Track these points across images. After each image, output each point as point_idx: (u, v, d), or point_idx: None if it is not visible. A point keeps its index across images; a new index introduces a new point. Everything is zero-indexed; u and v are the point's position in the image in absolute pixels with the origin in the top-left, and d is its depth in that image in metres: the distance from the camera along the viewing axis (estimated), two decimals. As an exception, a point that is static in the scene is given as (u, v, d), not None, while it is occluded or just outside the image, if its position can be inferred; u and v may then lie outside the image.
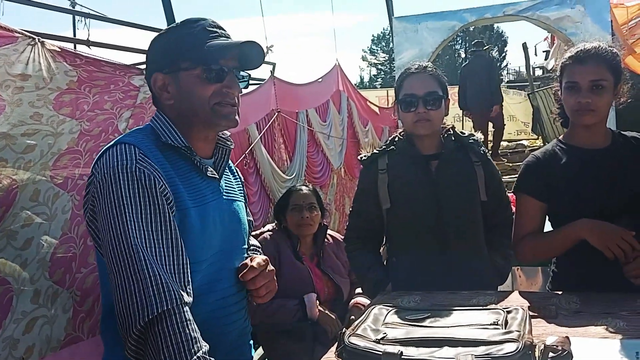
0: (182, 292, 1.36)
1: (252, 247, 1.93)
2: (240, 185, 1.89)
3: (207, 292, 1.58)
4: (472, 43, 9.28)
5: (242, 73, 1.68)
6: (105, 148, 1.52)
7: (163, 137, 1.57)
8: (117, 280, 1.34)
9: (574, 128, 2.21)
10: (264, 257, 1.75)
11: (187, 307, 1.36)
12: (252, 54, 1.60)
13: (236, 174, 1.89)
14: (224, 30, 1.64)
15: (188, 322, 1.33)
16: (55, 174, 2.29)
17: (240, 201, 1.81)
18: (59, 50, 2.36)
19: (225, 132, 1.76)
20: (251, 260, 1.71)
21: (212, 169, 1.66)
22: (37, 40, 2.26)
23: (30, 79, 2.21)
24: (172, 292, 1.33)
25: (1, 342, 2.03)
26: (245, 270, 1.67)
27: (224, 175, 1.74)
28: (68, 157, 2.36)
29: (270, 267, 1.75)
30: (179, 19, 4.15)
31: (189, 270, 1.44)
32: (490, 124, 9.40)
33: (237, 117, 1.65)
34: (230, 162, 1.82)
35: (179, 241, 1.44)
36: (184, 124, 1.61)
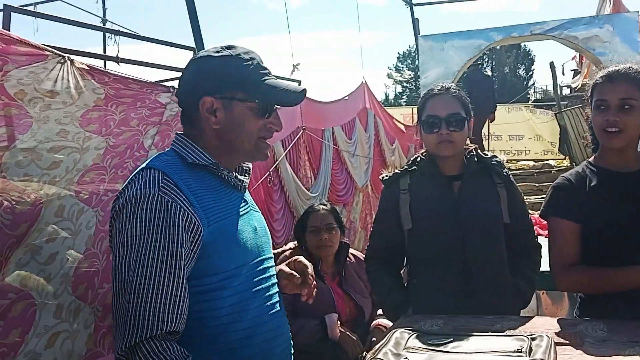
0: (164, 324, 1.42)
1: None
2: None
3: (247, 305, 1.63)
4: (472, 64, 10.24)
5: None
6: (133, 174, 1.59)
7: (189, 158, 1.62)
8: (114, 305, 1.46)
9: (604, 150, 2.17)
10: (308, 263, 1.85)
11: (166, 341, 1.42)
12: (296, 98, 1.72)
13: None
14: (269, 70, 1.73)
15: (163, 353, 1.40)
16: (81, 190, 2.32)
17: (257, 210, 1.85)
18: (88, 68, 2.39)
19: None
20: (304, 267, 1.82)
21: (239, 181, 1.73)
22: (66, 58, 2.30)
23: (58, 96, 2.24)
24: (155, 322, 1.41)
25: (24, 356, 2.04)
26: (306, 291, 1.80)
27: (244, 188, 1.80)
28: (93, 173, 2.38)
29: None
30: (206, 36, 4.22)
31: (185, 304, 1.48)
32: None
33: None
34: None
35: (184, 281, 1.49)
36: (220, 148, 1.68)
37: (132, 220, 1.47)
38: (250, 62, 1.66)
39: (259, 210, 1.85)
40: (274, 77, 1.70)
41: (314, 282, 1.82)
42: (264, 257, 1.74)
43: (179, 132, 1.72)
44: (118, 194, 1.56)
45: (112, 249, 1.52)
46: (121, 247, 1.46)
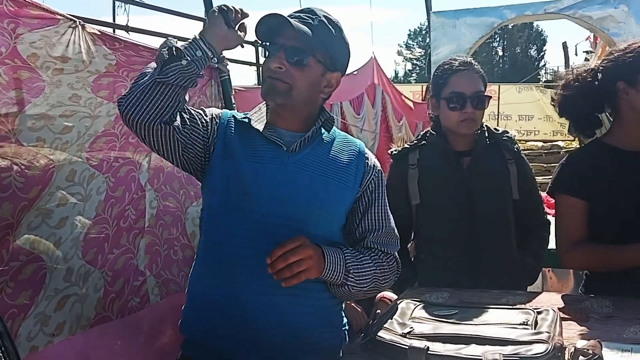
0: None
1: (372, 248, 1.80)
2: (351, 171, 1.78)
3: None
4: None
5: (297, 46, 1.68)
6: None
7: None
8: None
9: (615, 129, 2.15)
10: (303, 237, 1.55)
11: None
12: (280, 25, 1.65)
13: (358, 161, 1.80)
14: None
15: None
16: (91, 156, 2.32)
17: (327, 178, 1.72)
18: (99, 33, 2.38)
19: (331, 115, 1.85)
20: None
21: (275, 136, 1.71)
22: (78, 23, 2.29)
23: (70, 61, 2.24)
24: None
25: (33, 317, 2.07)
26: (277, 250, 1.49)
27: (312, 151, 1.73)
28: (104, 139, 2.39)
29: (302, 243, 1.52)
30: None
31: None
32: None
33: (280, 91, 1.67)
34: (365, 150, 1.86)
35: None
36: None
37: None
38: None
39: (328, 176, 1.72)
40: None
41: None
42: (274, 222, 1.61)
43: None
44: None
45: None
46: None
